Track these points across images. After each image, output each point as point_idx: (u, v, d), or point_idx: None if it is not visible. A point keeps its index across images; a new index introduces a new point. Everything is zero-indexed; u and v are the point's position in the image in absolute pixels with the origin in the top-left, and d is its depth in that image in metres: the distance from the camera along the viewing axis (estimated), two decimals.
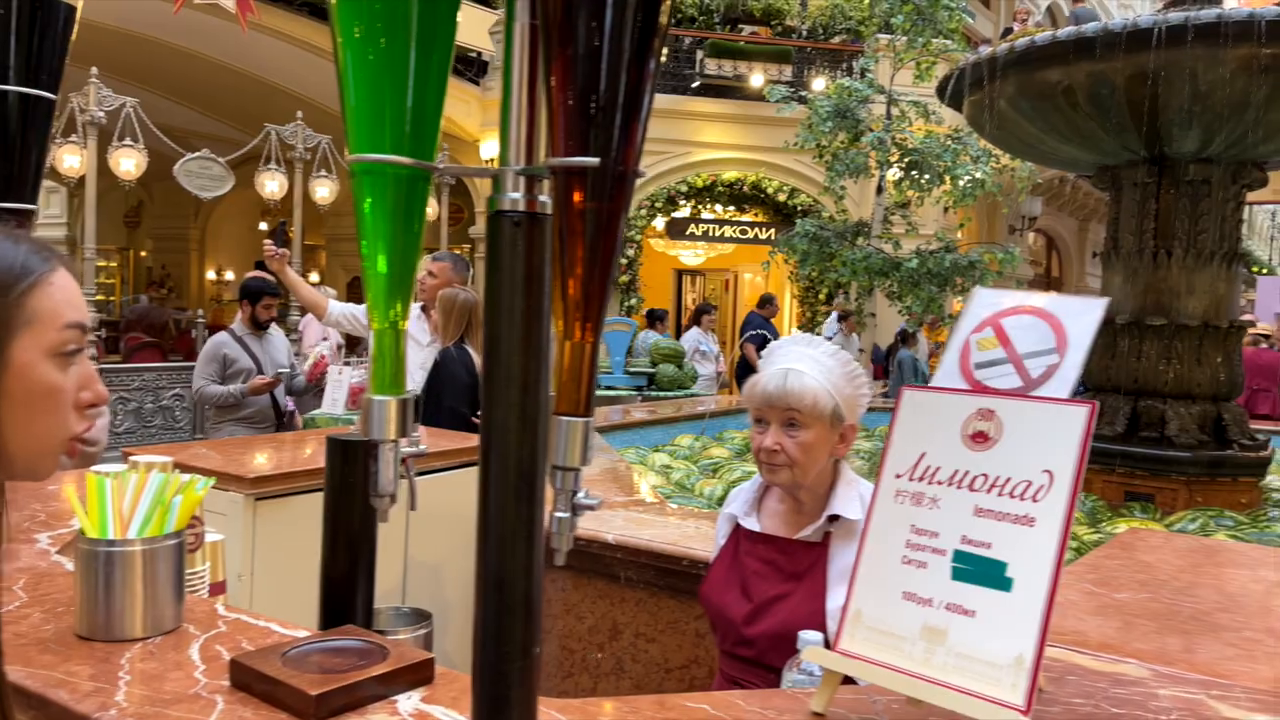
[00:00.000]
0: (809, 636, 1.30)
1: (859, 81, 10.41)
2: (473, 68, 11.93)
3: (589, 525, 2.31)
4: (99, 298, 10.86)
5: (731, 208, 12.81)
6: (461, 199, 13.84)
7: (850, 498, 1.63)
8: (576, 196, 0.82)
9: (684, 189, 12.33)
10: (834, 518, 1.61)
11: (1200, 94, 3.81)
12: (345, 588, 1.27)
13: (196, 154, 8.20)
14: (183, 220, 17.25)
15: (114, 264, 17.78)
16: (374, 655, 1.11)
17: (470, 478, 0.85)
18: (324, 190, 9.13)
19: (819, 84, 11.70)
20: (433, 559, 2.65)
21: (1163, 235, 4.32)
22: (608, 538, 2.27)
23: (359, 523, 1.25)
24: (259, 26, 9.24)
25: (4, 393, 0.80)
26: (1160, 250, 4.31)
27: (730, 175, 12.43)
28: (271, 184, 8.63)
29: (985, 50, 4.46)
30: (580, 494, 0.89)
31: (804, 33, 13.16)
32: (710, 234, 12.95)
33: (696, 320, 9.76)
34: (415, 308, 4.31)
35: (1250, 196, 4.81)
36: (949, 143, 9.95)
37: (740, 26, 13.05)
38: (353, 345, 7.87)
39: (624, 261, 12.06)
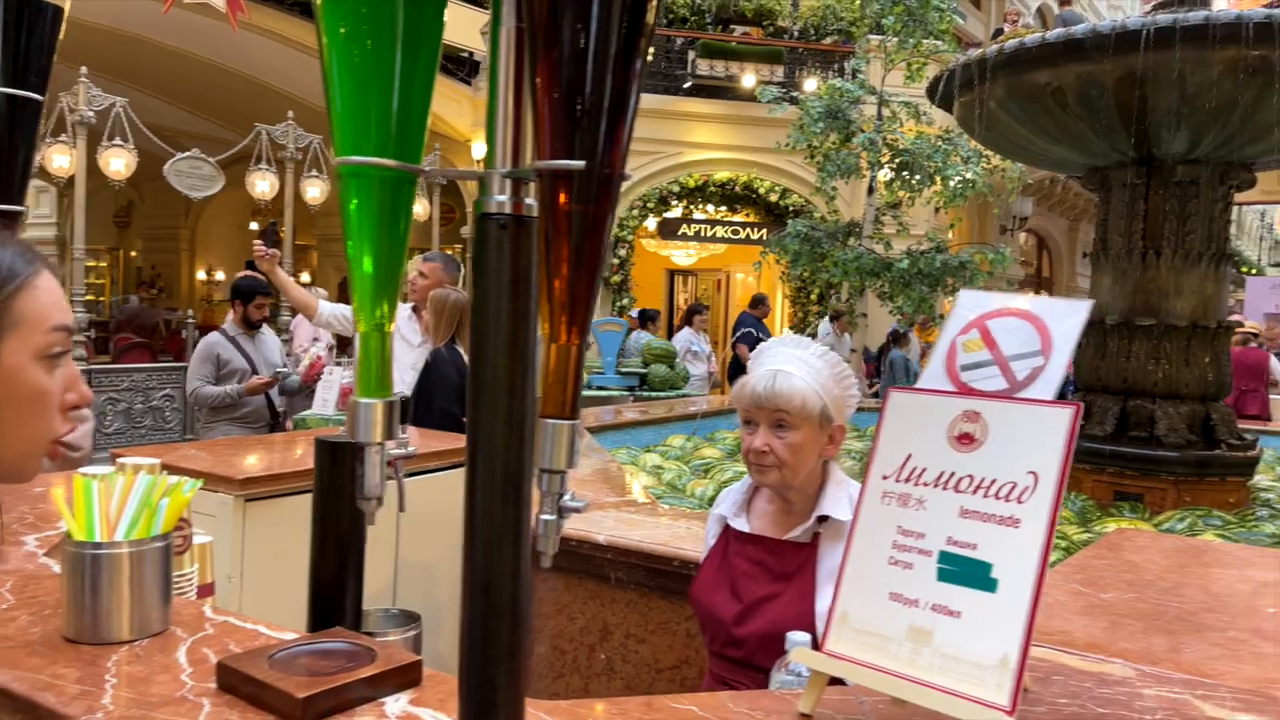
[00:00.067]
0: (796, 637, 1.30)
1: (850, 82, 10.44)
2: (464, 68, 11.92)
3: (580, 526, 2.31)
4: (89, 298, 10.83)
5: (723, 208, 12.83)
6: (453, 199, 13.83)
7: (839, 498, 1.63)
8: (562, 199, 0.82)
9: (676, 189, 12.33)
10: (823, 518, 1.62)
11: (1188, 95, 3.83)
12: (334, 589, 1.26)
13: (187, 154, 8.18)
14: (173, 220, 17.20)
15: (104, 264, 17.72)
16: (362, 657, 1.11)
17: (461, 478, 0.85)
18: (315, 190, 9.11)
19: (810, 85, 11.71)
20: (424, 560, 2.64)
21: (1151, 236, 4.33)
22: (599, 538, 2.27)
23: (348, 524, 1.25)
24: (249, 26, 9.21)
25: None
26: (1149, 251, 4.33)
27: (722, 175, 12.45)
28: (262, 184, 8.60)
29: (975, 52, 4.47)
30: (566, 496, 0.89)
31: (795, 33, 13.19)
32: (702, 234, 12.97)
33: (688, 320, 9.74)
34: (406, 308, 4.31)
35: (1239, 197, 4.84)
36: (940, 143, 10.00)
37: (732, 27, 13.06)
38: (344, 346, 7.86)
39: (616, 261, 12.06)
